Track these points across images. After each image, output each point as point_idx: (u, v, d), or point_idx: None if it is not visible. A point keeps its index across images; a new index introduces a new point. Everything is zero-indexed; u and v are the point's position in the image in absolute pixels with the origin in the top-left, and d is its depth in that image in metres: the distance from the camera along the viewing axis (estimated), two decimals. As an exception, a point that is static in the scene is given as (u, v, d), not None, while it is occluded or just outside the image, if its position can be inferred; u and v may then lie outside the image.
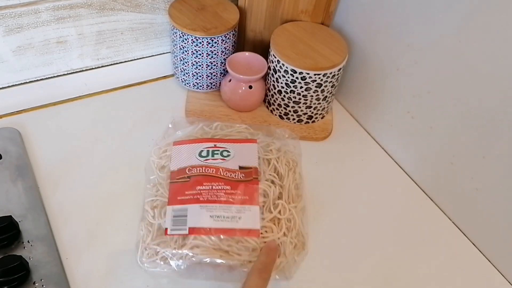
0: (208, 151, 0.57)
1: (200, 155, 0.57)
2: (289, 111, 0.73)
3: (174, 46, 0.73)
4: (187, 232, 0.50)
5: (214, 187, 0.53)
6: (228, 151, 0.57)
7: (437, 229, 0.65)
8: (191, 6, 0.72)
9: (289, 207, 0.54)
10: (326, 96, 0.71)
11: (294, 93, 0.70)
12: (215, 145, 0.58)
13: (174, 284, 0.54)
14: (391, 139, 0.73)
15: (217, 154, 0.57)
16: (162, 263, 0.50)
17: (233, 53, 0.74)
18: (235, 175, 0.55)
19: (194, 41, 0.69)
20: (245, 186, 0.54)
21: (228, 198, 0.53)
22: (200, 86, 0.76)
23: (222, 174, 0.55)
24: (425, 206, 0.68)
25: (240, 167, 0.56)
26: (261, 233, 0.51)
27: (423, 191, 0.69)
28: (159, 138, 0.62)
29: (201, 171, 0.55)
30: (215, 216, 0.51)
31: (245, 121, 0.73)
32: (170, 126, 0.62)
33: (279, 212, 0.53)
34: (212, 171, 0.55)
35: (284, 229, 0.52)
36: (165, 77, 0.81)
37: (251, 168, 0.56)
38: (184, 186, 0.54)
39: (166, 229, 0.51)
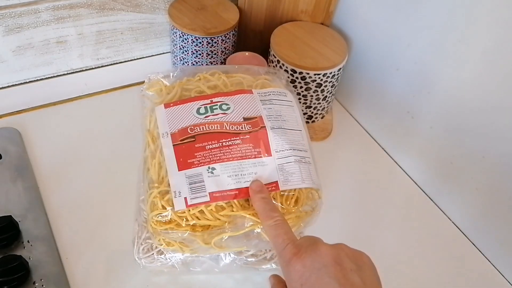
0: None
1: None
2: (289, 111, 0.73)
3: (174, 46, 0.73)
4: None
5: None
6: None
7: (436, 229, 0.65)
8: (191, 6, 0.72)
9: None
10: (326, 96, 0.71)
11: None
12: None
13: (174, 282, 0.54)
14: (391, 139, 0.73)
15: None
16: (159, 257, 0.50)
17: (233, 53, 0.74)
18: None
19: (194, 41, 0.69)
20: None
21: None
22: (200, 86, 0.76)
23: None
24: (425, 205, 0.68)
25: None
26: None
27: (423, 190, 0.69)
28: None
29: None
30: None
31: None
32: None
33: None
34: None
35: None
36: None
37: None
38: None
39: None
